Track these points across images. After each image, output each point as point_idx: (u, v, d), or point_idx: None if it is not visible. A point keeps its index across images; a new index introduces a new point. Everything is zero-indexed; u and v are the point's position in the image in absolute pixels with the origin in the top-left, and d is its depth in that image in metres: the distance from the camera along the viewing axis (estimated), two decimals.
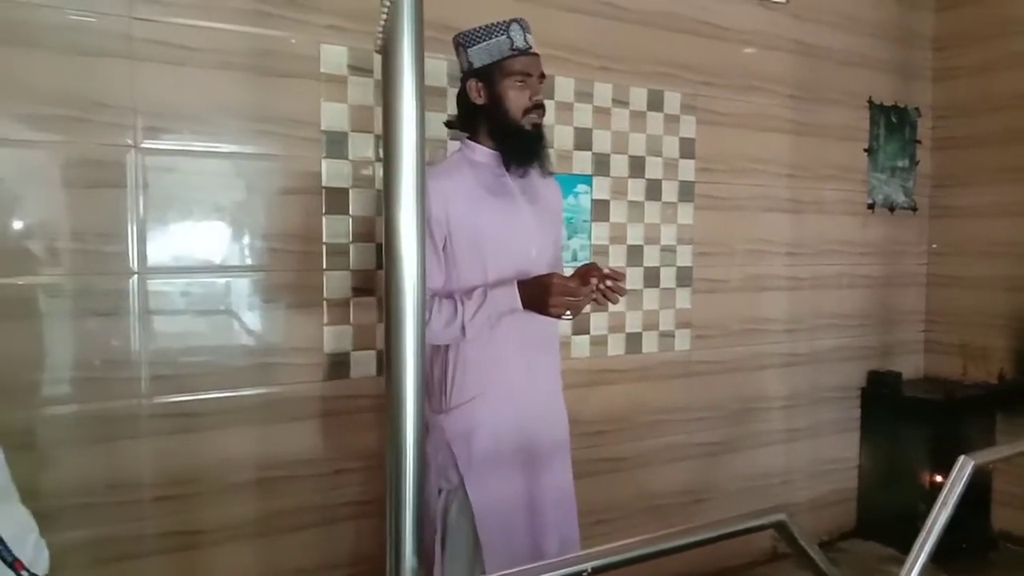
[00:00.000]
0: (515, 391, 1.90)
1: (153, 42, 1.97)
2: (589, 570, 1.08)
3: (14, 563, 1.30)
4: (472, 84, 1.87)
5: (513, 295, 1.81)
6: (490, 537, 1.85)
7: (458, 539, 1.86)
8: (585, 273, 1.83)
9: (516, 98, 1.84)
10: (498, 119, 1.86)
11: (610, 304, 1.87)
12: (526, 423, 1.92)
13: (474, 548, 1.86)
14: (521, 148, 1.88)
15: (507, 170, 1.89)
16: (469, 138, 1.94)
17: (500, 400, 1.88)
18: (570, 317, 1.85)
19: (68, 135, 1.90)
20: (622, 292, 1.85)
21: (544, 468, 1.93)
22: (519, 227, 1.90)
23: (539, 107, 1.87)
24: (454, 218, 1.83)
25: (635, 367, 2.88)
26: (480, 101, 1.87)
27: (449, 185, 1.84)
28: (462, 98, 1.92)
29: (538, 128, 1.89)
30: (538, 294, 1.79)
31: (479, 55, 1.84)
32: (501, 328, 1.86)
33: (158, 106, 1.99)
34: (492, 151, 1.90)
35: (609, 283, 1.83)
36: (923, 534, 1.45)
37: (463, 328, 1.80)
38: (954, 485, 1.53)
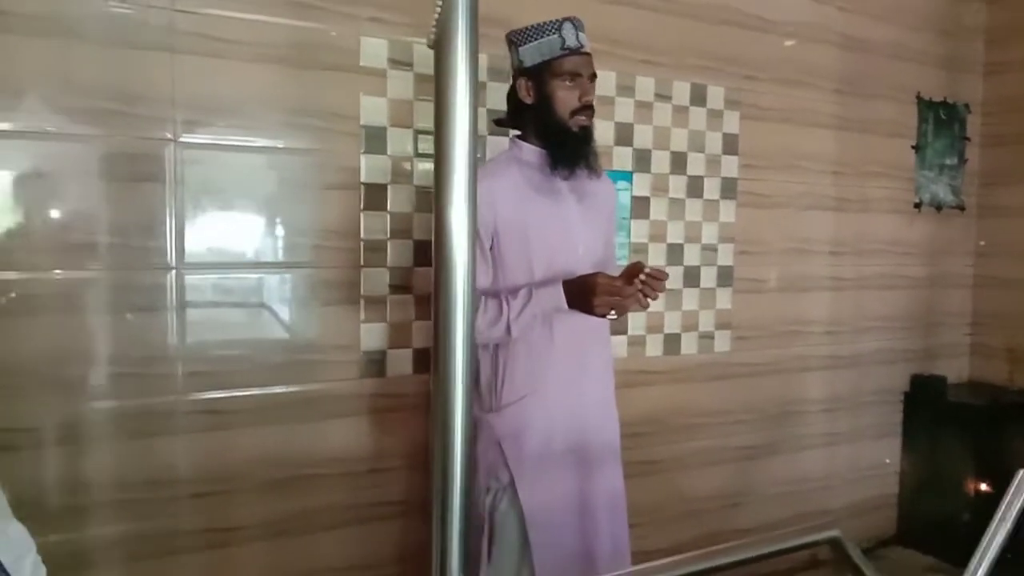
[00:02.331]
0: (566, 390, 1.87)
1: (193, 34, 1.95)
2: None
3: None
4: (522, 83, 1.85)
5: (558, 294, 1.78)
6: (540, 537, 1.82)
7: (506, 539, 1.84)
8: (630, 272, 1.79)
9: (565, 98, 1.81)
10: (546, 119, 1.84)
11: (649, 302, 1.82)
12: (577, 422, 1.89)
13: (522, 548, 1.84)
14: (567, 149, 1.84)
15: (552, 171, 1.86)
16: (519, 137, 1.93)
17: (551, 399, 1.85)
18: (615, 317, 1.80)
19: (108, 128, 1.88)
20: (660, 289, 1.79)
21: (595, 469, 1.91)
22: (566, 225, 1.87)
23: (588, 108, 1.84)
24: (501, 218, 1.81)
25: (673, 368, 2.82)
26: (529, 100, 1.85)
27: (496, 185, 1.82)
28: (512, 96, 1.90)
29: (586, 130, 1.86)
30: (583, 293, 1.76)
31: (530, 54, 1.82)
32: (552, 327, 1.83)
33: (197, 99, 1.97)
34: (540, 149, 1.88)
35: (644, 278, 1.76)
36: (980, 549, 1.38)
37: (508, 327, 1.77)
38: (1014, 499, 1.45)
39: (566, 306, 1.78)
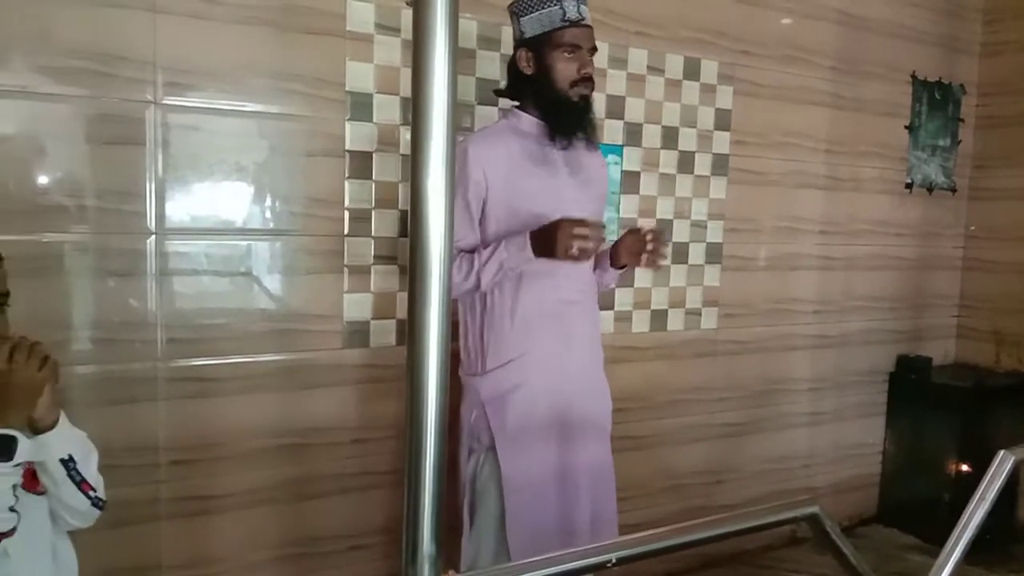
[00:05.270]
0: (552, 358, 1.87)
1: None
2: (613, 561, 1.04)
3: (82, 483, 1.27)
4: (522, 53, 1.85)
5: (523, 240, 1.77)
6: (515, 505, 1.82)
7: (487, 505, 1.85)
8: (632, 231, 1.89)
9: (564, 70, 1.81)
10: (545, 90, 1.84)
11: (648, 272, 1.84)
12: (563, 392, 1.89)
13: (503, 516, 1.84)
14: (566, 119, 1.85)
15: (551, 140, 1.86)
16: (517, 107, 1.92)
17: (537, 366, 1.86)
18: (577, 254, 1.74)
19: (88, 89, 1.84)
20: (662, 254, 1.88)
21: (580, 440, 1.91)
22: (559, 197, 1.87)
23: (587, 80, 1.83)
24: (493, 186, 1.81)
25: (659, 344, 2.82)
26: (529, 71, 1.85)
27: (491, 154, 1.82)
28: (512, 66, 1.90)
29: (585, 100, 1.86)
30: (547, 236, 1.75)
31: (531, 24, 1.81)
32: (537, 293, 1.84)
33: (179, 61, 1.93)
34: (538, 121, 1.88)
35: (651, 244, 1.85)
36: (958, 529, 1.39)
37: (478, 276, 1.78)
38: (993, 480, 1.46)
39: (531, 253, 1.76)
